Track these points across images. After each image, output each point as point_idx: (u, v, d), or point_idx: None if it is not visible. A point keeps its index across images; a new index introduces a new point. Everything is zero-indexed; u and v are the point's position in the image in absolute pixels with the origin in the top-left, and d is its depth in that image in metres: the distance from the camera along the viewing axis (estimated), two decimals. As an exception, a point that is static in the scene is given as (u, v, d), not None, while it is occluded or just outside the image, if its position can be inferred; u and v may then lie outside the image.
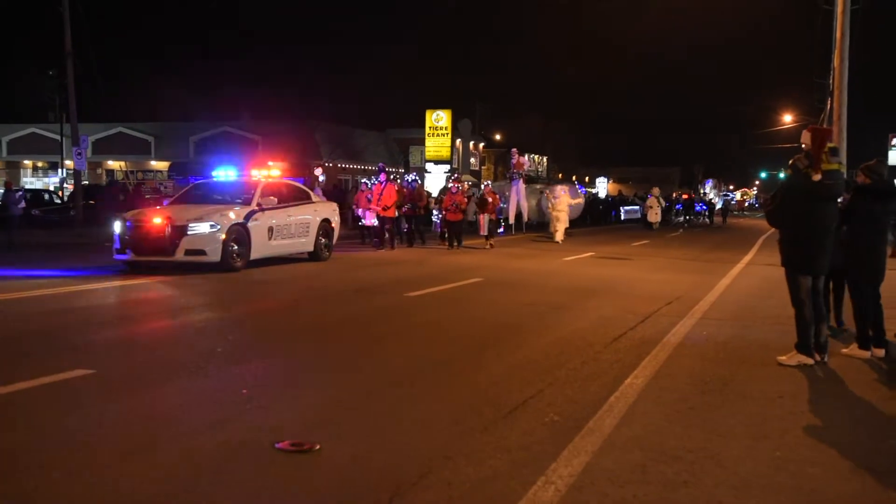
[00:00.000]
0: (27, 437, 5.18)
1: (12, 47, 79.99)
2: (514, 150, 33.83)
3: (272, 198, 15.92)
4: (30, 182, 57.10)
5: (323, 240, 17.71)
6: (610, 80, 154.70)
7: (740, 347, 8.71)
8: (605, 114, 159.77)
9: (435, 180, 47.72)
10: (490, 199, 25.47)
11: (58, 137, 47.49)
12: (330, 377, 7.05)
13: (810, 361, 7.68)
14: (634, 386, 6.81)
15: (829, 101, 23.18)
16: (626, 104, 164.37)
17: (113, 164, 56.35)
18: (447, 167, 51.06)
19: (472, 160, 58.94)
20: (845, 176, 8.31)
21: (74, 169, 29.22)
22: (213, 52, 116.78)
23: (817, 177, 7.50)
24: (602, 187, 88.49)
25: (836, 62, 17.70)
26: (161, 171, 56.57)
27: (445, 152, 51.19)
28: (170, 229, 14.18)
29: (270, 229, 15.76)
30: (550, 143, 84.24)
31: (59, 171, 50.48)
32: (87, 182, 42.82)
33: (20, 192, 29.84)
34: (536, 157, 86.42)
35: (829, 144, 7.71)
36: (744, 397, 6.58)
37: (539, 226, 36.18)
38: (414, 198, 23.93)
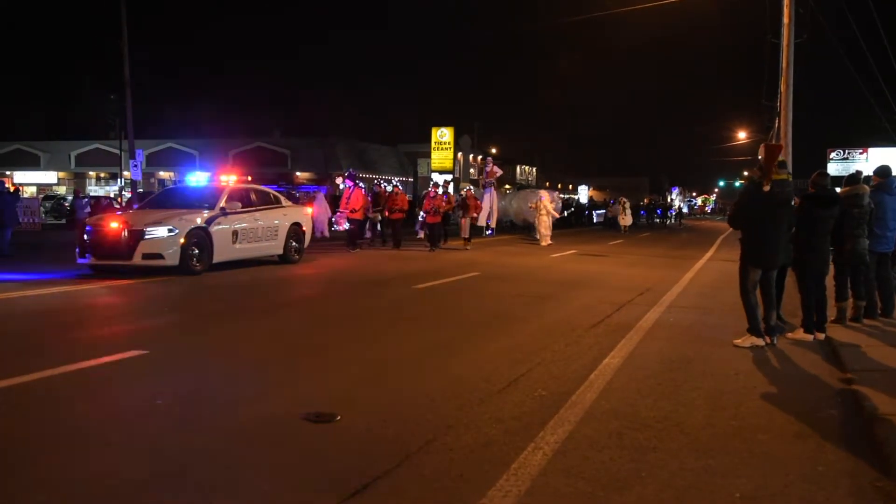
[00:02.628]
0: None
1: (80, 74, 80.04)
2: (489, 158, 31.26)
3: (237, 203, 14.40)
4: (94, 190, 57.24)
5: (293, 243, 15.96)
6: (590, 101, 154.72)
7: (702, 331, 8.70)
8: (586, 130, 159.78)
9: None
10: (471, 204, 23.92)
11: (117, 152, 47.50)
12: (352, 356, 7.04)
13: (762, 343, 7.67)
14: (611, 365, 6.79)
15: (776, 121, 23.14)
16: (604, 122, 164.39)
17: (164, 174, 56.41)
18: (450, 177, 51.07)
19: (472, 170, 58.87)
20: (792, 185, 8.30)
21: (131, 179, 29.25)
22: (250, 73, 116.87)
23: (767, 187, 7.52)
24: (583, 194, 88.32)
25: (782, 87, 17.65)
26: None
27: (448, 164, 51.29)
28: (127, 233, 12.69)
29: (235, 233, 14.20)
30: (539, 155, 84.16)
31: (119, 180, 50.46)
32: (141, 190, 42.86)
33: (86, 199, 29.93)
34: (527, 167, 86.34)
35: (779, 158, 7.71)
36: (704, 374, 6.57)
37: (526, 228, 33.76)
38: (395, 202, 21.53)
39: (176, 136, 57.07)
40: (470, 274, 14.64)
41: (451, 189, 29.08)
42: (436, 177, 50.63)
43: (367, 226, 22.89)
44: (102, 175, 60.02)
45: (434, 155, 51.42)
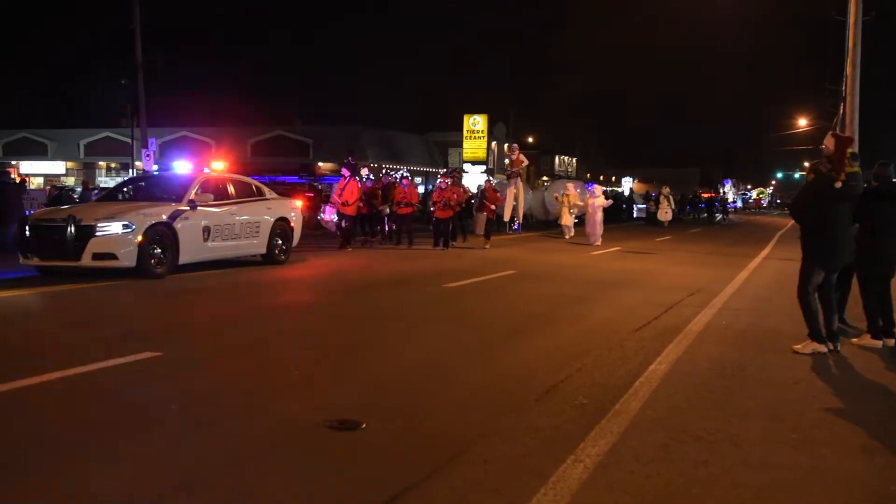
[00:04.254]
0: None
1: (89, 58, 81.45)
2: (515, 145, 29.54)
3: (209, 195, 13.40)
4: (104, 181, 58.02)
5: (278, 241, 14.98)
6: (636, 87, 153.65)
7: (757, 336, 8.61)
8: (631, 118, 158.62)
9: (472, 180, 47.67)
10: (489, 196, 22.29)
11: (129, 140, 48.20)
12: (374, 359, 7.07)
13: (823, 349, 7.57)
14: (658, 371, 6.74)
15: (841, 106, 22.77)
16: (651, 108, 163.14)
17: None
18: (483, 167, 51.07)
19: (506, 161, 58.87)
20: (863, 178, 8.14)
21: (143, 169, 29.64)
22: (270, 59, 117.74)
23: (839, 184, 7.39)
24: (627, 186, 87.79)
25: (848, 70, 17.37)
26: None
27: (482, 154, 51.31)
28: (74, 230, 11.66)
29: (206, 229, 13.20)
30: (580, 145, 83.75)
31: (130, 171, 51.20)
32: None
33: (96, 191, 30.35)
34: (566, 158, 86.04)
35: (849, 150, 7.58)
36: (761, 382, 6.49)
37: (546, 224, 32.94)
38: (407, 196, 20.41)
39: (191, 124, 57.71)
40: (504, 272, 14.63)
41: (486, 179, 27.44)
42: (467, 167, 50.58)
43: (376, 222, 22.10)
44: (113, 165, 60.87)
45: (466, 144, 51.51)
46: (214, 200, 13.55)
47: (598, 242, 23.19)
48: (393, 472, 4.27)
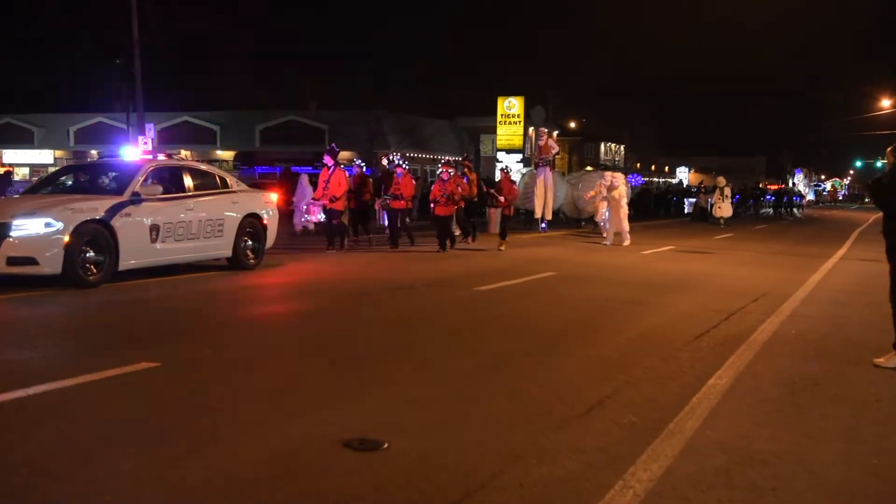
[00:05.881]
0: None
1: (80, 37, 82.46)
2: (543, 129, 28.59)
3: (157, 186, 12.54)
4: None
5: (248, 241, 14.16)
6: (693, 64, 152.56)
7: (833, 347, 8.53)
8: (687, 100, 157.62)
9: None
10: (503, 188, 20.90)
11: (124, 126, 48.75)
12: (396, 372, 7.09)
13: (910, 363, 7.46)
14: (718, 386, 6.70)
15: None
16: (710, 90, 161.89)
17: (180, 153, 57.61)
18: (519, 156, 50.97)
19: (557, 151, 58.73)
20: None
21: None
22: (278, 38, 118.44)
23: None
24: (683, 177, 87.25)
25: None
26: (227, 161, 57.84)
27: (518, 141, 51.08)
28: None
29: (154, 228, 12.29)
30: (628, 130, 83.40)
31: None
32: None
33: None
34: (613, 145, 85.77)
35: None
36: (837, 399, 6.43)
37: (579, 223, 31.01)
38: (400, 188, 19.16)
39: (193, 108, 58.33)
40: (543, 274, 14.62)
41: (502, 168, 25.91)
42: (501, 156, 50.41)
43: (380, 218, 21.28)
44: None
45: (500, 130, 51.31)
46: (166, 193, 12.76)
47: (627, 242, 22.08)
48: (420, 498, 4.29)
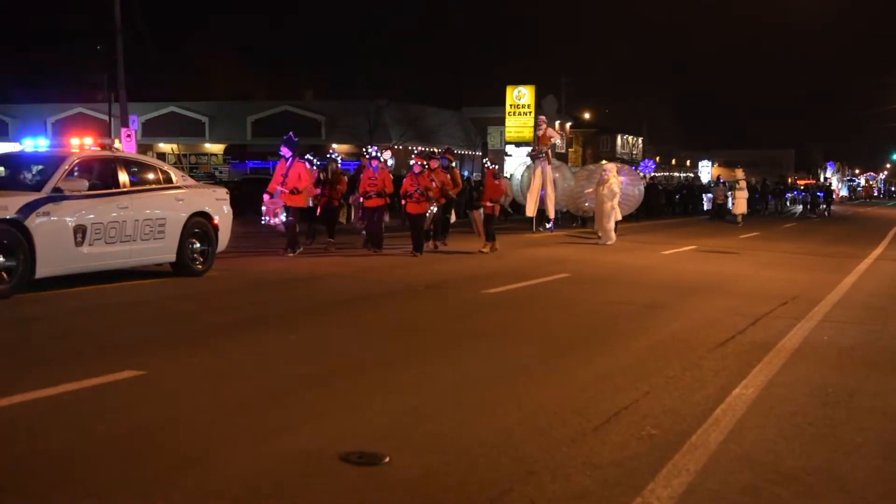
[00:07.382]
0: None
1: (58, 22, 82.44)
2: (542, 118, 27.81)
3: (83, 181, 11.59)
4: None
5: (195, 244, 13.26)
6: (718, 51, 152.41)
7: (869, 354, 8.53)
8: (711, 90, 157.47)
9: (515, 164, 47.66)
10: (487, 185, 20.11)
11: (106, 118, 48.82)
12: (400, 379, 7.09)
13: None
14: (744, 396, 6.70)
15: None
16: (735, 77, 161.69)
17: (164, 146, 57.76)
18: (529, 149, 50.89)
19: (558, 142, 58.63)
20: None
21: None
22: (272, 24, 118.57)
23: None
24: (706, 171, 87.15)
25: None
26: (216, 155, 57.93)
27: (528, 133, 50.87)
28: None
29: (80, 229, 11.37)
30: (647, 122, 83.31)
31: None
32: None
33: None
34: (631, 138, 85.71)
35: None
36: (873, 412, 6.43)
37: (583, 221, 29.90)
38: (378, 184, 18.10)
39: (180, 98, 58.39)
40: (556, 276, 14.63)
41: (485, 163, 23.89)
42: (510, 149, 50.40)
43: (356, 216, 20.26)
44: (88, 147, 61.64)
45: (509, 121, 51.26)
46: (95, 189, 11.88)
47: (610, 242, 21.84)
48: (421, 516, 4.28)
